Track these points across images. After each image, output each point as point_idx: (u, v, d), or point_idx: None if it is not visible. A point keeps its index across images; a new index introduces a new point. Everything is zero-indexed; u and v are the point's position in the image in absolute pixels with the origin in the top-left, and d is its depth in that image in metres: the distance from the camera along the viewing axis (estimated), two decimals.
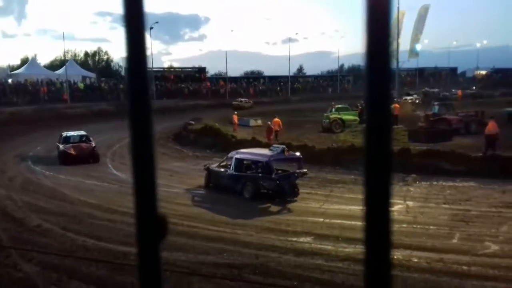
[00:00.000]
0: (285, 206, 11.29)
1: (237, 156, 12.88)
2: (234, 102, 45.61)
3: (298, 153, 12.97)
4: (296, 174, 12.11)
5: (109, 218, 10.26)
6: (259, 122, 28.61)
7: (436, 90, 51.12)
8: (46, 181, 14.41)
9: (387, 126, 0.71)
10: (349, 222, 9.68)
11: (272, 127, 21.94)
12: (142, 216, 0.97)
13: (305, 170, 12.30)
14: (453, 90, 49.21)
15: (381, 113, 0.70)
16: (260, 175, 12.15)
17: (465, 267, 7.13)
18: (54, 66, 59.17)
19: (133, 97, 0.93)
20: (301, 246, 8.35)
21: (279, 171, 12.20)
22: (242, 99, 47.59)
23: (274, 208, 11.25)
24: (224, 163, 13.52)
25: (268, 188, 11.91)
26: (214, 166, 13.78)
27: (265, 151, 12.88)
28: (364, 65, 0.69)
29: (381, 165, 0.71)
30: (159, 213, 0.97)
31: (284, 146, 12.73)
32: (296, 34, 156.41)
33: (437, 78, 71.23)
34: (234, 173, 12.50)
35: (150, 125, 0.93)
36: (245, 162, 12.88)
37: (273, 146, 13.18)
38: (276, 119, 22.64)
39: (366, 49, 0.69)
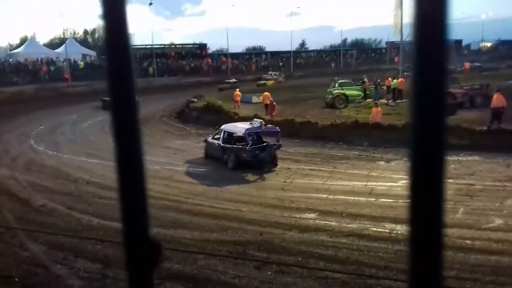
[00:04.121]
0: (289, 183, 11.30)
1: (225, 129, 13.82)
2: (264, 76, 44.02)
3: (277, 127, 13.70)
4: (274, 146, 12.92)
5: (113, 197, 10.25)
6: (262, 98, 28.37)
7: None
8: (50, 161, 14.44)
9: (442, 109, 0.63)
10: (352, 198, 9.72)
11: (274, 103, 21.77)
12: (132, 241, 0.83)
13: (280, 143, 13.16)
14: (459, 65, 48.18)
15: (435, 97, 0.62)
16: (239, 146, 12.97)
17: (469, 242, 7.14)
18: (53, 44, 58.55)
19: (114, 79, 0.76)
20: (305, 222, 8.37)
21: (265, 143, 13.04)
22: (272, 73, 45.95)
23: (278, 185, 11.25)
24: (217, 136, 14.20)
25: (246, 159, 12.65)
26: (210, 138, 14.58)
27: (245, 125, 13.55)
28: (414, 34, 0.61)
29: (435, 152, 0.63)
30: (152, 238, 0.83)
31: (261, 120, 13.58)
32: (298, 8, 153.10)
33: None
34: (221, 144, 13.40)
35: (135, 119, 0.77)
36: (231, 135, 13.62)
37: (253, 120, 13.88)
38: (266, 93, 23.48)
39: (416, 16, 0.60)
